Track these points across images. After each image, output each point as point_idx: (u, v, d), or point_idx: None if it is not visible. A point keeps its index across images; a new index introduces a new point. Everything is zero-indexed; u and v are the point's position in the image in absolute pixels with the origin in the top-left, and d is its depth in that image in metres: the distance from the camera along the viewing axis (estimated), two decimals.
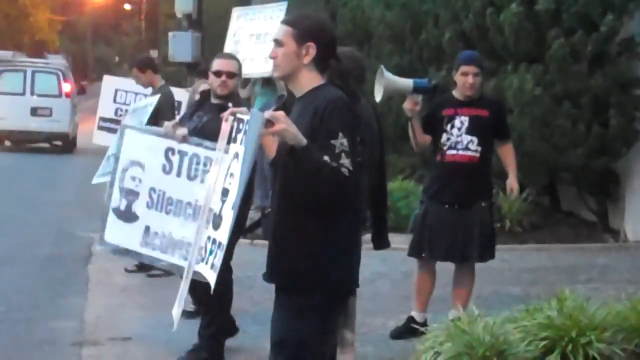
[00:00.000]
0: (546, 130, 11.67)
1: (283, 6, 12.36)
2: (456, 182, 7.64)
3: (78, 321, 8.38)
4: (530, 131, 11.66)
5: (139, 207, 6.71)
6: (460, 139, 7.64)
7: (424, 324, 7.58)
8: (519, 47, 11.90)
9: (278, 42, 4.29)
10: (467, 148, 7.63)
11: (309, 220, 4.16)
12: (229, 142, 4.16)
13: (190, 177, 6.58)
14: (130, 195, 6.76)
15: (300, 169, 4.03)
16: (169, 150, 6.68)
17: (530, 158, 11.83)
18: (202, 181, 6.33)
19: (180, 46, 22.28)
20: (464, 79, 7.67)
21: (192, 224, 5.93)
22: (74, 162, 24.47)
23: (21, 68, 26.34)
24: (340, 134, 4.07)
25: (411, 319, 7.83)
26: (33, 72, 26.17)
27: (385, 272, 9.93)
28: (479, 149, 7.61)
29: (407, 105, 7.55)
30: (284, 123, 3.99)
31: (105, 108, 12.95)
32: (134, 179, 6.77)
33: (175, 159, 6.64)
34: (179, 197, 6.54)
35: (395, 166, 14.76)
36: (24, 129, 25.48)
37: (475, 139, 7.62)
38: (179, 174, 6.58)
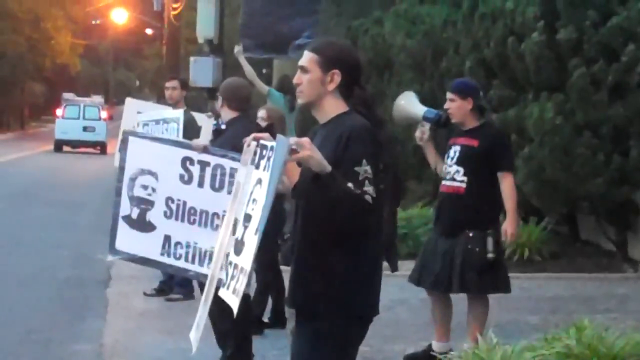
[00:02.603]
0: (566, 159, 11.65)
1: None
2: (445, 213, 7.64)
3: (97, 344, 8.40)
4: (550, 160, 11.64)
5: (155, 216, 6.67)
6: (450, 170, 7.60)
7: (446, 354, 7.52)
8: (540, 76, 11.89)
9: (303, 69, 4.30)
10: (453, 179, 7.57)
11: (332, 246, 4.17)
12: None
13: (214, 188, 6.53)
14: (143, 204, 6.70)
15: (324, 195, 4.05)
16: (186, 160, 6.65)
17: (550, 187, 11.81)
18: (229, 192, 6.27)
19: (201, 71, 22.35)
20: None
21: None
22: (99, 186, 24.81)
23: (77, 103, 45.48)
24: (364, 161, 4.09)
25: (430, 347, 7.79)
26: (84, 106, 44.43)
27: (404, 299, 9.91)
28: (465, 179, 7.50)
29: (416, 133, 7.73)
30: (309, 150, 4.00)
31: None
32: (145, 187, 6.71)
33: (195, 169, 6.61)
34: (203, 207, 6.49)
35: (415, 193, 14.75)
36: (78, 139, 42.43)
37: (461, 169, 7.53)
38: (200, 185, 6.55)
